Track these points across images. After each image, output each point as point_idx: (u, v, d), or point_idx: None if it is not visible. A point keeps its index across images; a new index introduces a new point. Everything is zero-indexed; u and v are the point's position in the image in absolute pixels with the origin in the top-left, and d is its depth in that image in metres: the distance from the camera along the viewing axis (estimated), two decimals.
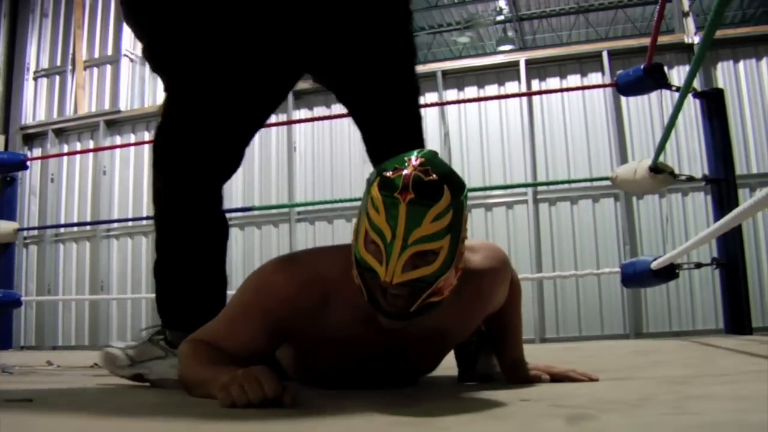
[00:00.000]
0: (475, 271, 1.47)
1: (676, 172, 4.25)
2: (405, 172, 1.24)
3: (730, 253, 4.18)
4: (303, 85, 6.25)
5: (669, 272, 3.78)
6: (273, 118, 6.36)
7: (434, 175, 1.24)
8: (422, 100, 5.96)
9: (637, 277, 3.90)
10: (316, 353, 1.52)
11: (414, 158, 1.27)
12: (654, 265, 3.69)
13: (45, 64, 7.48)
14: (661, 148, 3.89)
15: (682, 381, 1.47)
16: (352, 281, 1.35)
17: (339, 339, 1.46)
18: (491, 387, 1.54)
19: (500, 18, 14.29)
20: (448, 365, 1.75)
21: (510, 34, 14.90)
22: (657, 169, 3.98)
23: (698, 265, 4.19)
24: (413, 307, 1.29)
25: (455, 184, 1.27)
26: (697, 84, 4.60)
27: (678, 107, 3.21)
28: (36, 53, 7.48)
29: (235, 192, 6.21)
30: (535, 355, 1.68)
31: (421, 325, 1.41)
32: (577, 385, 1.47)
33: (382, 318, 1.33)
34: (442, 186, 1.24)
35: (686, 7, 5.55)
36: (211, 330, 1.48)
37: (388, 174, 1.26)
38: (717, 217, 4.36)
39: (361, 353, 1.48)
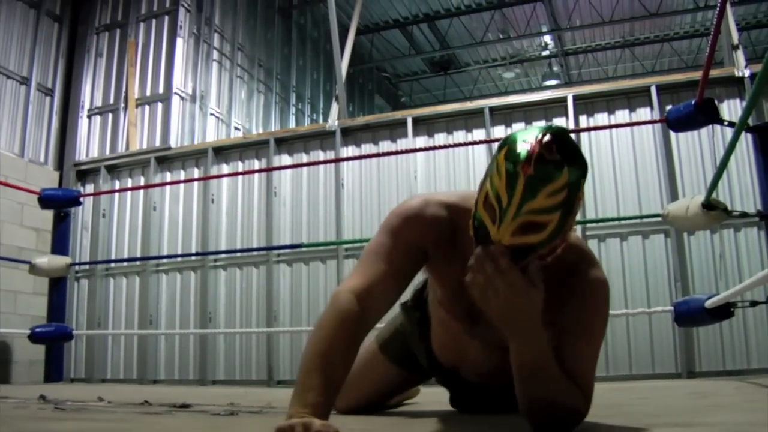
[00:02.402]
0: (582, 276, 1.63)
1: (729, 207, 4.17)
2: (531, 146, 1.34)
3: None
4: (350, 122, 6.32)
5: (724, 311, 3.69)
6: (321, 155, 6.45)
7: (557, 155, 1.33)
8: (470, 137, 5.98)
9: (690, 315, 3.82)
10: (442, 282, 1.73)
11: (544, 133, 1.36)
12: (708, 303, 3.61)
13: (99, 102, 7.67)
14: (714, 184, 3.83)
15: (745, 429, 1.42)
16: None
17: (459, 267, 1.56)
18: None
19: (545, 53, 14.30)
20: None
21: (555, 69, 14.89)
22: (710, 205, 3.91)
23: (753, 303, 4.09)
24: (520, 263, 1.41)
25: (576, 165, 1.36)
26: (749, 118, 4.52)
27: (732, 144, 3.16)
28: (90, 91, 7.68)
29: (283, 229, 6.27)
30: None
31: None
32: None
33: None
34: (562, 166, 1.33)
35: (735, 40, 5.48)
36: (357, 274, 1.61)
37: (516, 145, 1.36)
38: None
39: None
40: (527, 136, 1.36)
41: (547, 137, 1.35)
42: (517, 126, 5.85)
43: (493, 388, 2.05)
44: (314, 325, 1.53)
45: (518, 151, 1.34)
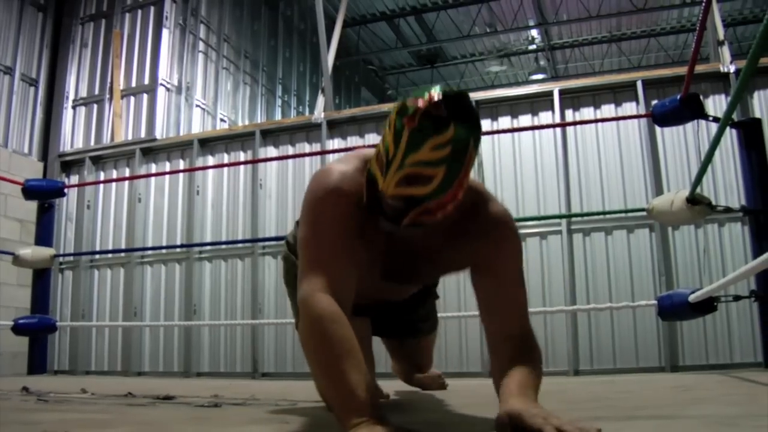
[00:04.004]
0: (482, 214, 1.66)
1: (713, 202, 4.20)
2: (419, 103, 1.39)
3: None
4: (336, 114, 6.30)
5: (707, 305, 3.72)
6: (307, 148, 6.43)
7: (444, 112, 1.38)
8: None
9: (674, 310, 3.84)
10: (367, 250, 1.66)
11: (438, 92, 1.41)
12: (692, 298, 3.63)
13: (84, 92, 7.62)
14: (698, 179, 3.85)
15: (728, 422, 1.43)
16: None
17: (369, 231, 1.62)
18: None
19: (532, 47, 14.31)
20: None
21: (542, 63, 14.92)
22: (694, 200, 3.93)
23: (736, 298, 4.12)
24: (404, 219, 1.47)
25: (466, 125, 1.41)
26: (733, 114, 4.54)
27: (716, 139, 3.17)
28: (75, 82, 7.62)
29: (268, 221, 6.25)
30: (569, 390, 1.62)
31: (422, 244, 1.66)
32: (618, 426, 1.43)
33: (381, 219, 1.52)
34: (448, 122, 1.38)
35: (721, 36, 5.50)
36: (312, 269, 1.55)
37: (408, 102, 1.41)
38: (755, 248, 4.30)
39: (378, 248, 1.68)
40: (420, 94, 1.41)
41: (437, 95, 1.40)
42: (504, 120, 5.86)
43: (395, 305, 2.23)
44: (303, 334, 1.48)
45: (408, 106, 1.40)
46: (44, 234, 6.54)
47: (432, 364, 2.94)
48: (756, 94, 5.24)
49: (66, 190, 6.03)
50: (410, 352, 2.71)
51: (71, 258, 6.84)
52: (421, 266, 1.77)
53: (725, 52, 5.37)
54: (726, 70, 5.27)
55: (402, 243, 1.66)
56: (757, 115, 5.06)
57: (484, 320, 1.68)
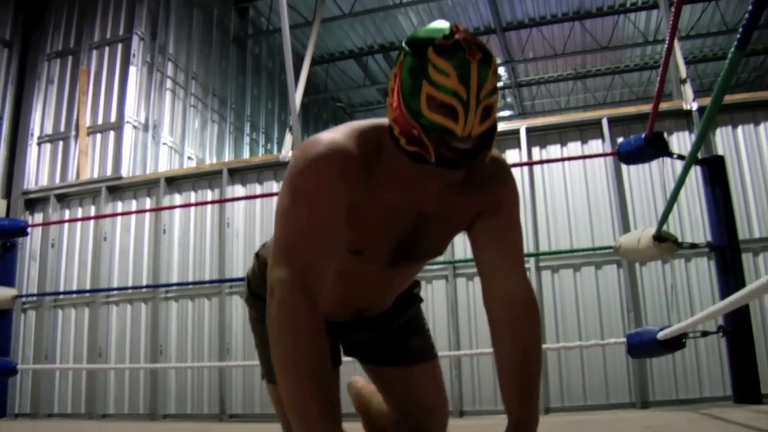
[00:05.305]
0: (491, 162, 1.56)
1: (679, 239, 4.24)
2: (458, 36, 1.32)
3: (737, 321, 4.14)
4: None
5: (676, 342, 3.74)
6: (275, 186, 6.36)
7: (476, 39, 1.35)
8: None
9: (643, 347, 3.85)
10: (360, 227, 1.53)
11: (449, 26, 1.35)
12: (660, 335, 3.64)
13: (49, 129, 7.54)
14: (665, 217, 3.89)
15: None
16: (387, 150, 1.48)
17: (382, 203, 1.52)
18: None
19: (499, 84, 14.46)
20: None
21: (509, 100, 15.08)
22: (661, 237, 3.97)
23: (704, 334, 4.15)
24: (482, 152, 1.39)
25: (486, 55, 1.35)
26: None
27: (682, 178, 3.20)
28: (41, 119, 7.56)
29: (236, 261, 6.18)
30: (540, 429, 1.58)
31: (440, 202, 1.56)
32: None
33: (445, 172, 1.40)
34: (487, 46, 1.35)
35: (683, 74, 5.61)
36: (287, 250, 1.41)
37: (443, 41, 1.32)
38: (721, 283, 4.34)
39: (396, 219, 1.56)
40: (437, 33, 1.34)
41: (455, 26, 1.35)
42: None
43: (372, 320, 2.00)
44: (273, 327, 1.36)
45: (451, 44, 1.32)
46: (6, 274, 6.40)
47: (447, 419, 2.12)
48: (718, 131, 5.33)
49: (29, 229, 5.94)
50: (408, 392, 2.07)
51: (34, 298, 6.71)
52: (439, 228, 1.64)
53: (688, 90, 5.47)
54: (689, 107, 5.36)
55: (427, 200, 1.56)
56: (720, 151, 5.15)
57: (485, 275, 1.64)
